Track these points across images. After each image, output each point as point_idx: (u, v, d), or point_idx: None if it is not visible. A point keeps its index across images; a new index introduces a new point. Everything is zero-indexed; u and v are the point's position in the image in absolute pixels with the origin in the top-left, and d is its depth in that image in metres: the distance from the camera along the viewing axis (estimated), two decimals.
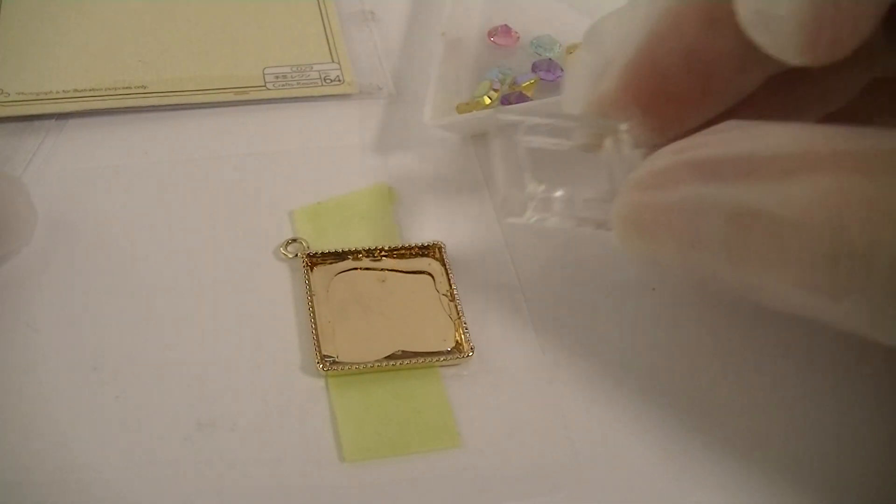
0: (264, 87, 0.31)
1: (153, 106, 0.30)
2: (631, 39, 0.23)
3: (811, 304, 0.18)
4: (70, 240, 0.25)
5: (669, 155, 0.20)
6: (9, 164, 0.27)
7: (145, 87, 0.30)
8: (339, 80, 0.31)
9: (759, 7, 0.20)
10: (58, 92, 0.29)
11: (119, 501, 0.20)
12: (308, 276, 0.24)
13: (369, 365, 0.22)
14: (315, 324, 0.23)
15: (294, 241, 0.25)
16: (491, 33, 0.33)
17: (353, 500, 0.20)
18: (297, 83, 0.31)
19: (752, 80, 0.23)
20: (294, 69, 0.31)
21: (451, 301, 0.24)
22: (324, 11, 0.34)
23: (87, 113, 0.29)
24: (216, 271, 0.25)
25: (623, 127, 0.23)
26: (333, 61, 0.32)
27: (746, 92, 0.23)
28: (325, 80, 0.31)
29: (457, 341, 0.23)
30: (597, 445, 0.21)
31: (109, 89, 0.30)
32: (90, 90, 0.30)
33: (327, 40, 0.33)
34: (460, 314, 0.24)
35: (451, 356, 0.23)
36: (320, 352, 0.22)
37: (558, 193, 0.22)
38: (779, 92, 0.24)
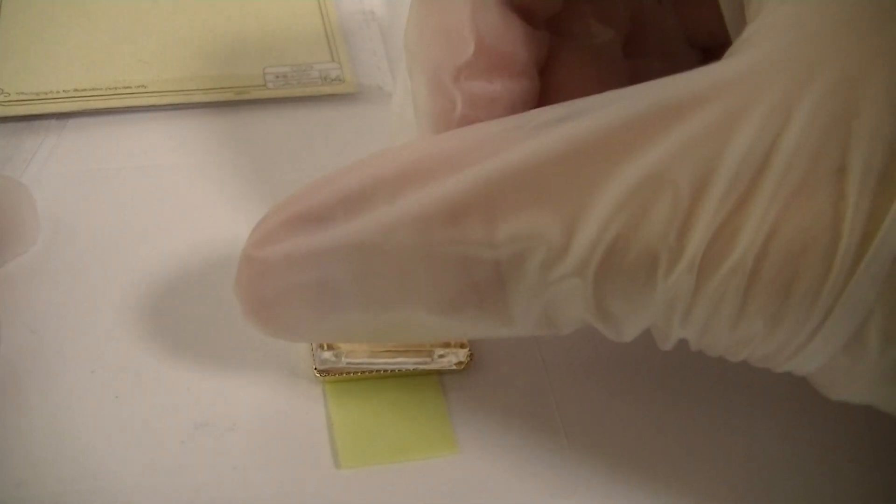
0: (264, 87, 0.31)
1: (153, 105, 0.30)
2: None
3: (452, 329, 0.18)
4: (69, 240, 0.25)
5: (274, 214, 0.18)
6: (9, 164, 0.27)
7: (145, 87, 0.30)
8: (340, 80, 0.31)
9: None
10: (58, 92, 0.29)
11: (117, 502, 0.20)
12: None
13: (367, 371, 0.22)
14: None
15: None
16: None
17: None
18: (298, 83, 0.31)
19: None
20: (294, 69, 0.31)
21: None
22: (324, 11, 0.34)
23: (87, 113, 0.29)
24: (216, 273, 0.25)
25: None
26: (334, 61, 0.32)
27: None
28: (325, 79, 0.31)
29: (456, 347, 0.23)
30: (596, 454, 0.21)
31: (109, 89, 0.30)
32: (90, 90, 0.30)
33: (327, 40, 0.33)
34: None
35: (449, 363, 0.23)
36: (317, 357, 0.22)
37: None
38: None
